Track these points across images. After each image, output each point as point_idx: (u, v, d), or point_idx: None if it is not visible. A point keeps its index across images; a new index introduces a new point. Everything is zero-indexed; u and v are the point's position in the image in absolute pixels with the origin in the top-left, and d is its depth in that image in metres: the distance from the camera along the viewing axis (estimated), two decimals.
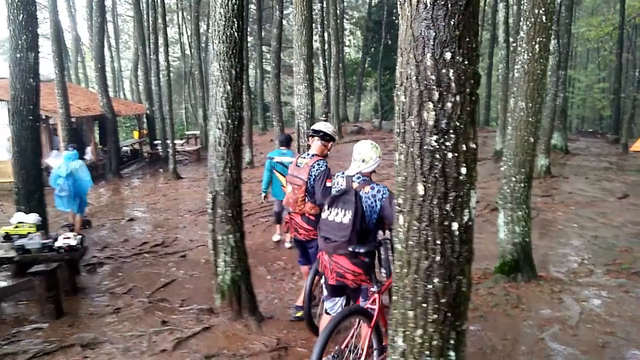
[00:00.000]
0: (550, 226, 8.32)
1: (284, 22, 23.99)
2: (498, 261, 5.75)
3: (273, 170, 7.16)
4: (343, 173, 3.66)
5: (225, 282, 4.64)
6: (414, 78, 1.89)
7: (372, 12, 32.07)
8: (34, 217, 5.82)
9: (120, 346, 4.22)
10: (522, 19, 5.64)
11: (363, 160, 3.51)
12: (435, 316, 1.95)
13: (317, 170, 4.32)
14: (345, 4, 32.38)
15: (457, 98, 1.86)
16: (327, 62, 22.86)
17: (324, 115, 18.12)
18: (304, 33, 11.31)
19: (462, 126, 1.88)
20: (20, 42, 6.82)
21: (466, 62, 1.87)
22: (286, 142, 7.40)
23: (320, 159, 4.41)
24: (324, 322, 3.64)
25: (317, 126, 4.58)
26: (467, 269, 2.00)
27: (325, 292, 3.68)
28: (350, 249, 3.22)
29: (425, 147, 1.89)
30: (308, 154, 4.55)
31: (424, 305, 1.96)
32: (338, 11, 24.81)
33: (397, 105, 2.00)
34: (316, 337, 3.53)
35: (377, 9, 31.81)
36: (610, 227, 8.07)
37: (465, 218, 1.94)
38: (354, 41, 40.84)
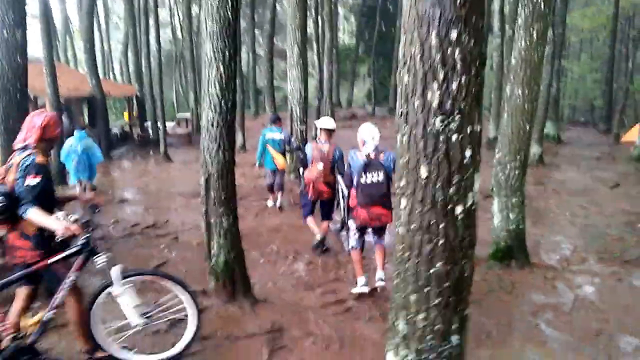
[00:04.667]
0: (543, 214, 8.37)
1: (277, 6, 23.69)
2: (492, 248, 5.77)
3: (266, 145, 8.48)
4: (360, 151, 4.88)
5: (219, 265, 4.60)
6: (418, 58, 1.85)
7: None
8: None
9: (113, 327, 4.18)
10: (520, 5, 5.60)
11: (373, 138, 4.78)
12: (438, 300, 1.93)
13: (338, 153, 6.30)
14: None
15: (463, 79, 1.82)
16: (320, 47, 22.68)
17: (317, 101, 18.04)
18: (297, 17, 11.19)
19: (467, 108, 1.84)
20: (6, 19, 6.63)
21: (472, 43, 1.82)
22: (276, 120, 8.83)
23: (336, 145, 6.38)
24: (379, 250, 5.11)
25: (326, 124, 6.38)
26: (470, 253, 1.98)
27: (357, 235, 5.07)
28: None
29: (429, 129, 1.85)
30: (325, 142, 6.31)
31: (427, 289, 1.94)
32: None
33: (399, 86, 1.95)
34: None
35: None
36: (602, 216, 8.13)
37: (469, 202, 1.91)
38: (347, 27, 40.52)
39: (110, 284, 3.37)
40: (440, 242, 1.90)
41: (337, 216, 6.87)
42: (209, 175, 4.54)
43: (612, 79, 24.76)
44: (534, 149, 12.97)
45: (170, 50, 35.07)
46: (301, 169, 8.52)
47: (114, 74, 35.42)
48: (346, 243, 5.22)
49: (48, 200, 3.30)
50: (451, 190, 1.87)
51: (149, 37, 18.61)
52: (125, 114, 21.84)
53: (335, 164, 6.24)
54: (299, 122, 11.23)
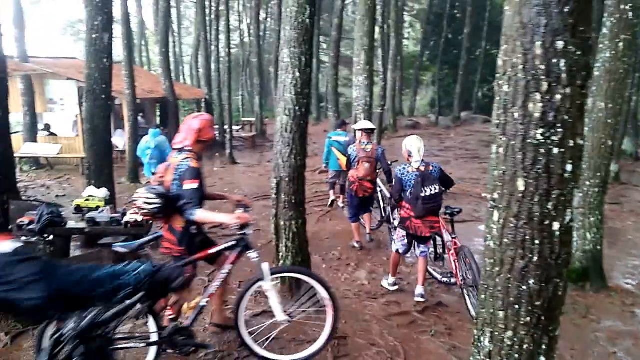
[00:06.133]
0: (620, 235, 7.90)
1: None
2: None
3: (331, 147, 8.91)
4: (409, 165, 5.02)
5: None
6: (521, 67, 1.79)
7: (433, 4, 31.32)
8: (103, 192, 6.03)
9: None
10: (605, 14, 5.34)
11: (419, 150, 4.97)
12: (528, 319, 1.86)
13: (380, 152, 6.75)
14: None
15: (568, 90, 1.75)
16: (385, 54, 22.54)
17: (380, 108, 17.93)
18: (366, 23, 11.15)
19: (570, 120, 1.77)
20: (96, 23, 7.04)
21: (579, 53, 1.75)
22: (342, 125, 9.51)
23: (378, 145, 6.97)
24: (422, 262, 5.22)
25: (367, 125, 6.87)
26: (565, 272, 1.89)
27: (404, 241, 5.21)
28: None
29: (528, 141, 1.79)
30: (368, 143, 6.68)
31: (517, 306, 1.87)
32: (399, 3, 24.39)
33: (497, 96, 1.90)
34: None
35: (439, 1, 31.04)
36: None
37: (567, 218, 1.83)
38: (412, 34, 40.14)
39: (261, 279, 3.56)
40: (535, 258, 1.83)
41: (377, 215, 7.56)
42: (280, 179, 4.61)
43: None
44: (611, 166, 12.29)
45: (237, 55, 36.03)
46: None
47: (184, 77, 36.83)
48: (391, 242, 5.53)
49: (201, 200, 3.58)
50: (549, 205, 1.79)
51: (219, 42, 19.19)
52: None
53: (378, 162, 6.70)
54: None
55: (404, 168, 5.03)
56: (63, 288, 1.21)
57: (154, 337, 3.31)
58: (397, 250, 5.30)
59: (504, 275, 1.88)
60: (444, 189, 5.15)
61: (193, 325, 3.54)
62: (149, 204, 3.35)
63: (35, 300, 1.16)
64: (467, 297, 4.81)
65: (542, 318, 1.87)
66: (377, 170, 6.83)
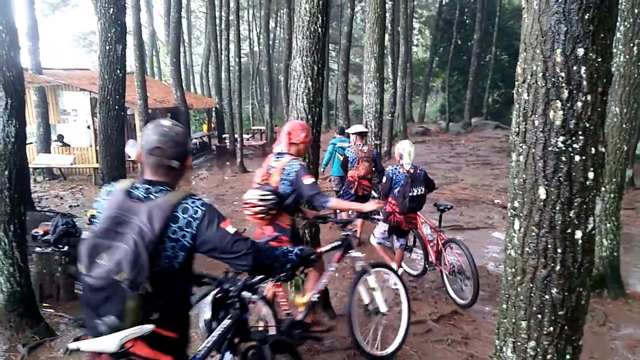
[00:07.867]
0: (635, 241, 7.79)
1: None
2: None
3: (335, 153, 9.09)
4: (401, 166, 5.38)
5: (300, 276, 4.64)
6: (540, 75, 1.78)
7: (442, 11, 31.36)
8: None
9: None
10: (619, 19, 5.31)
11: (409, 154, 5.32)
12: (551, 329, 1.83)
13: (375, 153, 7.36)
14: (415, 2, 31.81)
15: (589, 97, 1.73)
16: (395, 61, 22.55)
17: (390, 115, 17.93)
18: (376, 31, 11.19)
19: (592, 127, 1.75)
20: (109, 34, 7.12)
21: (600, 60, 1.74)
22: (343, 131, 9.62)
23: (372, 147, 7.57)
24: (399, 253, 5.70)
25: (361, 128, 7.50)
26: (587, 280, 1.86)
27: (385, 235, 5.64)
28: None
29: (549, 149, 1.77)
30: (364, 144, 7.25)
31: (539, 316, 1.84)
32: (408, 10, 24.42)
33: (517, 103, 1.89)
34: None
35: (448, 7, 31.07)
36: None
37: (590, 226, 1.81)
38: (422, 40, 40.17)
39: (366, 272, 3.79)
40: (557, 267, 1.80)
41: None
42: None
43: None
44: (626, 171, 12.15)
45: (247, 64, 36.27)
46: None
47: (194, 86, 37.12)
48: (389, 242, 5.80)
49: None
50: (571, 213, 1.77)
51: (229, 51, 19.32)
52: (204, 125, 22.73)
53: (373, 162, 7.24)
54: (373, 136, 11.20)
55: (395, 168, 5.40)
56: (261, 259, 1.87)
57: (273, 330, 3.47)
58: (378, 242, 5.74)
59: (526, 284, 1.86)
60: (428, 190, 5.58)
61: (306, 319, 3.71)
62: (265, 199, 3.53)
63: (245, 267, 1.83)
64: (447, 282, 5.52)
65: (566, 327, 1.84)
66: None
